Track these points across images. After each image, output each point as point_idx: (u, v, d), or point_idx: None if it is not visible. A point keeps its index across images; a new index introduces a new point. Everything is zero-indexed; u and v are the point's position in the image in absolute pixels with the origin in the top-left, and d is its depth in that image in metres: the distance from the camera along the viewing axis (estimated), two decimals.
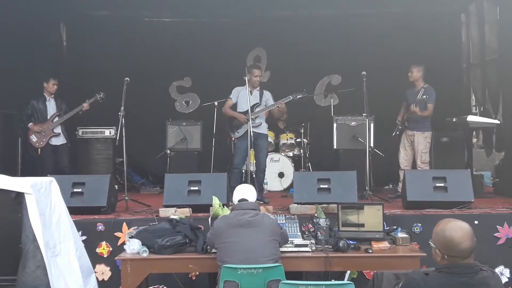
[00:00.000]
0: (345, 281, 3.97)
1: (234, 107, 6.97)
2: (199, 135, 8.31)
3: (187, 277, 5.39)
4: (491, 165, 8.10)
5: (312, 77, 9.26)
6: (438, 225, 3.07)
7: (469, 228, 3.00)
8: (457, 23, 9.26)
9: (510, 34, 7.75)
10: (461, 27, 9.26)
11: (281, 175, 8.39)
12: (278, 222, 4.55)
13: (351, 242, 4.52)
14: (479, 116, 7.89)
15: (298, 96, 6.89)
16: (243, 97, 6.79)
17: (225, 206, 5.32)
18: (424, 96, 6.95)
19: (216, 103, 8.19)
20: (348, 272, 5.13)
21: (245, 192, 4.57)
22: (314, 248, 4.51)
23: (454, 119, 7.44)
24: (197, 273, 5.31)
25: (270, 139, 8.01)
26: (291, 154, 8.65)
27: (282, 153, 8.58)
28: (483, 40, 8.76)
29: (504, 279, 5.37)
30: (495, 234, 5.45)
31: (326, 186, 5.79)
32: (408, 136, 7.25)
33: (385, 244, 4.61)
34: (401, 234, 4.71)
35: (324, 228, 4.78)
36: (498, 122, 7.37)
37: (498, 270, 5.35)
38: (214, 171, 7.91)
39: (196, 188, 5.79)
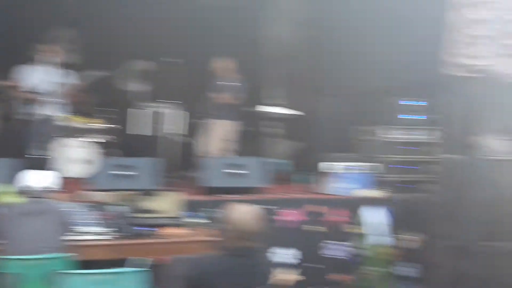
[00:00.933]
0: (136, 269, 3.92)
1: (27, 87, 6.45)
2: None
3: None
4: (287, 154, 8.63)
5: (122, 61, 8.96)
6: (226, 209, 3.21)
7: (256, 212, 3.17)
8: (258, 18, 9.54)
9: (311, 31, 8.39)
10: (262, 22, 9.55)
11: (84, 161, 7.98)
12: (73, 210, 4.39)
13: (146, 229, 4.51)
14: (277, 107, 8.35)
15: (98, 74, 6.61)
16: (35, 76, 6.32)
17: (13, 194, 4.92)
18: (231, 83, 7.19)
19: (7, 83, 7.44)
20: (139, 258, 5.06)
21: (34, 178, 4.27)
22: (109, 236, 4.43)
23: (252, 109, 7.82)
24: None
25: (75, 124, 7.58)
26: (97, 140, 8.24)
27: (87, 139, 8.15)
28: (283, 36, 9.24)
29: (292, 261, 5.78)
30: (286, 218, 5.86)
31: (128, 172, 5.70)
32: (210, 123, 7.43)
33: (180, 230, 4.69)
34: (196, 219, 4.83)
35: (121, 215, 4.70)
36: (295, 113, 7.94)
37: (289, 253, 5.75)
38: (4, 157, 7.22)
39: None
